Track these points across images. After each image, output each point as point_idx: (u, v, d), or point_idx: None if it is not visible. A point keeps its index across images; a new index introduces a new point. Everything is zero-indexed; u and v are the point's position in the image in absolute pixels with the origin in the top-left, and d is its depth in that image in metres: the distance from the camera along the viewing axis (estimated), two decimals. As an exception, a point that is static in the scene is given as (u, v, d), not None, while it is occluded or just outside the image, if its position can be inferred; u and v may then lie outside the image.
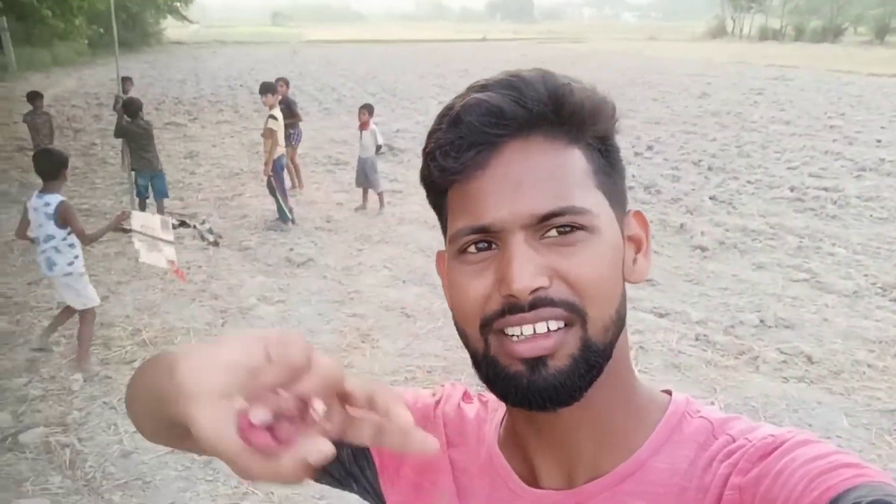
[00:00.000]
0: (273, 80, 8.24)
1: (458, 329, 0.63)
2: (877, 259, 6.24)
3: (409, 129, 13.35)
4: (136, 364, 4.30)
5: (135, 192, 7.35)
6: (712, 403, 3.22)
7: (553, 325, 0.56)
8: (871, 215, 7.54)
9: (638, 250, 0.64)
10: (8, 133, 12.83)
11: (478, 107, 0.57)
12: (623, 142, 0.67)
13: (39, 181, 4.15)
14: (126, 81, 9.62)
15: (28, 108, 8.85)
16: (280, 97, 7.93)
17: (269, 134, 7.12)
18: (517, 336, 0.56)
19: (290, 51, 40.06)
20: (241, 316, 5.14)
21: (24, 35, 26.06)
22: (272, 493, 3.24)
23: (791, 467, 0.52)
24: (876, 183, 8.86)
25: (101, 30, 21.25)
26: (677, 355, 4.50)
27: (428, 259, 6.32)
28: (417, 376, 4.31)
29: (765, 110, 15.14)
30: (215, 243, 6.76)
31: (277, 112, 7.29)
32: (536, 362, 0.56)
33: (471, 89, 0.60)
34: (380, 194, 7.99)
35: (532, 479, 0.66)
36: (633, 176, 8.98)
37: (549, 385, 0.56)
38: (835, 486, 0.49)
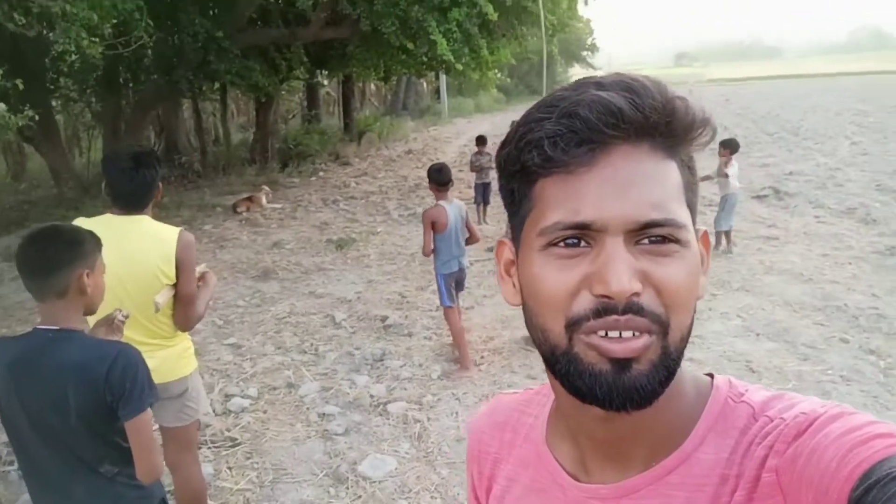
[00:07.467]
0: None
1: (531, 321, 0.63)
2: None
3: (804, 171, 12.03)
4: (484, 367, 4.93)
5: None
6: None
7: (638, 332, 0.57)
8: None
9: None
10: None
11: (598, 104, 0.56)
12: None
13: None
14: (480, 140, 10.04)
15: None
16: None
17: None
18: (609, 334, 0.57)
19: (686, 91, 39.54)
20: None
21: (457, 87, 31.62)
22: None
23: (823, 444, 0.52)
24: None
25: (514, 81, 24.52)
26: None
27: (792, 314, 5.68)
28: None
29: None
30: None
31: None
32: (623, 363, 0.56)
33: (584, 85, 0.59)
34: (727, 234, 7.52)
35: (581, 474, 0.68)
36: None
37: (632, 386, 0.56)
38: (867, 458, 0.48)
